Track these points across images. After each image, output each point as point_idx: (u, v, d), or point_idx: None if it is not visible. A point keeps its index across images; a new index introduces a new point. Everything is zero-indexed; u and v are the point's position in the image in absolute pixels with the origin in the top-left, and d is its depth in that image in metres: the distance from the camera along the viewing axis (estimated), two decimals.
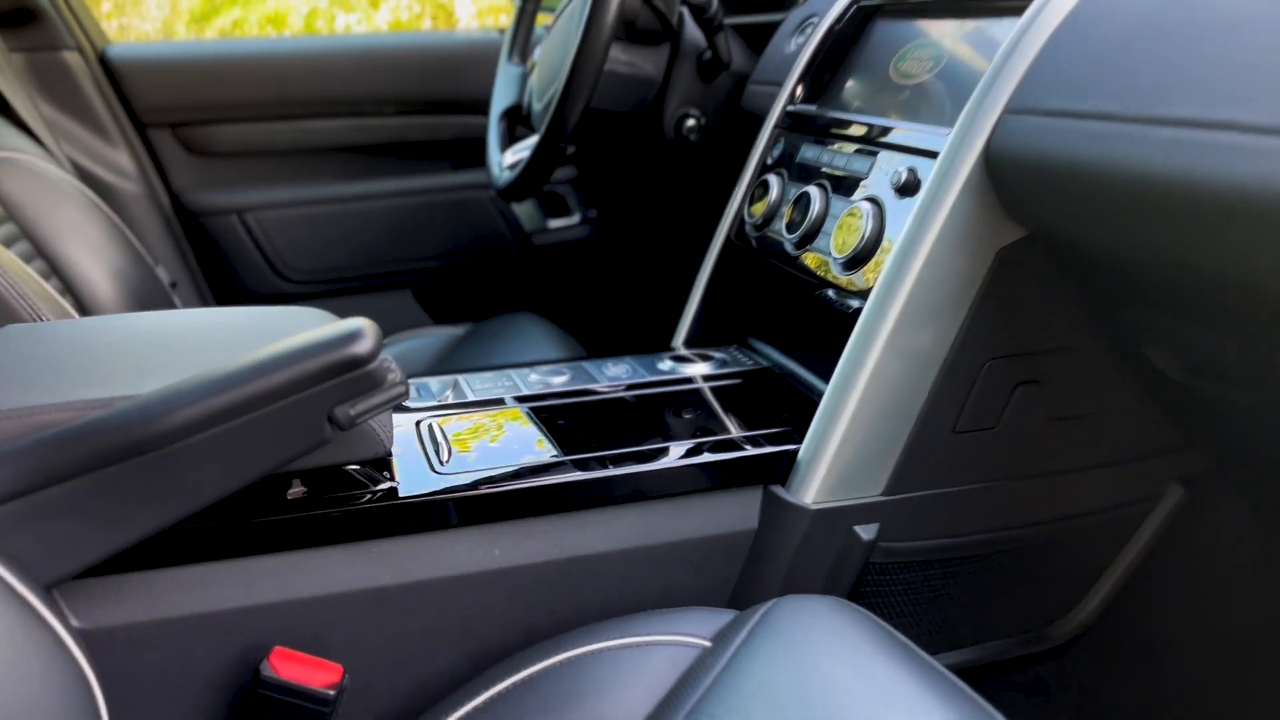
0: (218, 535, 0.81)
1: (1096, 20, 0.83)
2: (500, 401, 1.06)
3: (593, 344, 1.64)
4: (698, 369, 1.15)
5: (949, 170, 0.89)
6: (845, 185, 1.04)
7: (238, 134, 1.78)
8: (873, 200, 0.97)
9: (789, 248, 1.10)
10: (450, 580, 0.88)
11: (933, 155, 0.92)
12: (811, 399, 1.05)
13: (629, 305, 2.13)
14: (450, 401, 1.06)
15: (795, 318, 1.18)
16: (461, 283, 1.93)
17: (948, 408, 0.94)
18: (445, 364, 1.61)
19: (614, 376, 1.13)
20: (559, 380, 1.12)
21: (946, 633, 1.07)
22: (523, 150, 1.50)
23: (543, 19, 1.69)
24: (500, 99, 1.61)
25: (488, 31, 1.98)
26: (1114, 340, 0.95)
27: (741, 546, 0.96)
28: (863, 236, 0.96)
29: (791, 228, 1.08)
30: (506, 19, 2.11)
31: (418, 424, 1.00)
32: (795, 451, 0.95)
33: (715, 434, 0.97)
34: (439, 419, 1.01)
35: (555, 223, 1.96)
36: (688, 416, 1.02)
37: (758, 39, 1.46)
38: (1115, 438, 1.05)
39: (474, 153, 1.94)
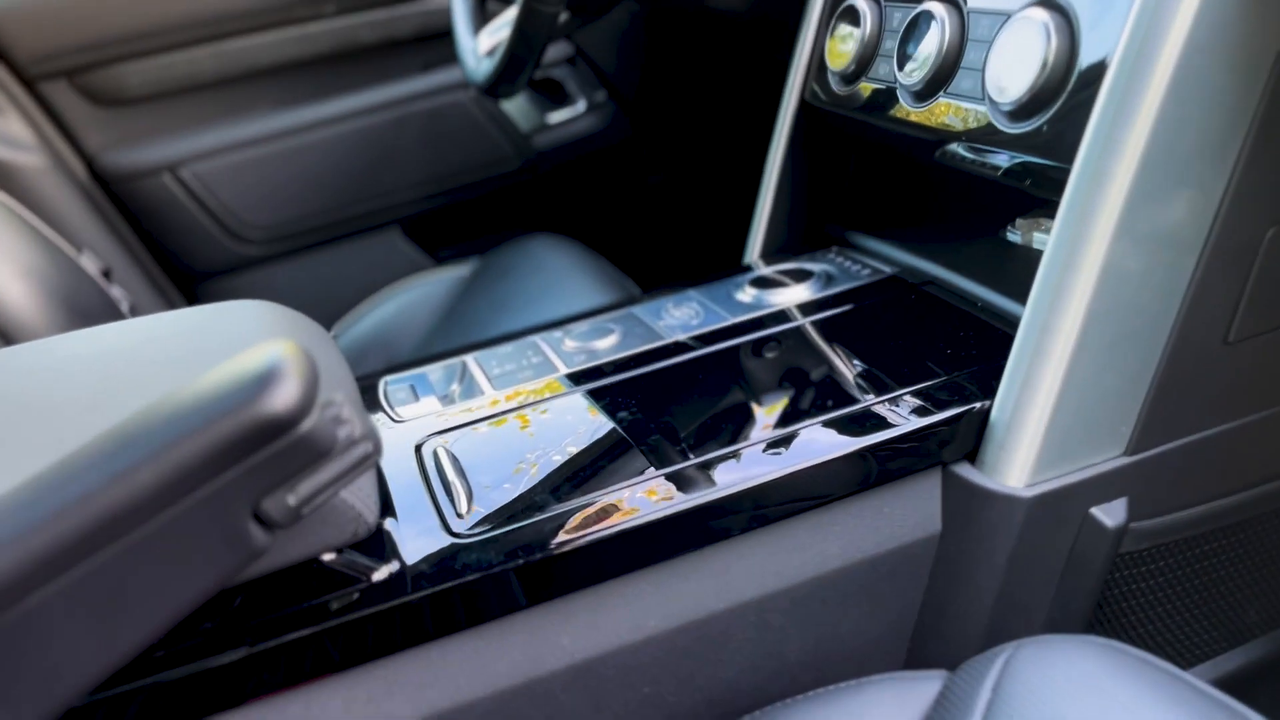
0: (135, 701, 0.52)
1: None
2: (532, 392, 0.74)
3: (632, 265, 1.31)
4: (794, 294, 0.82)
5: None
6: None
7: (150, 71, 1.43)
8: (1052, 6, 0.62)
9: (906, 99, 0.75)
10: (499, 697, 0.58)
11: None
12: (979, 319, 0.72)
13: (672, 209, 1.77)
14: (460, 404, 0.75)
15: (927, 200, 0.85)
16: (459, 209, 1.59)
17: (1215, 310, 0.61)
18: (455, 320, 1.29)
19: (680, 323, 0.80)
20: (606, 343, 0.79)
21: (1231, 623, 0.75)
22: (500, 28, 1.14)
23: None
24: None
25: None
26: None
27: (921, 561, 0.65)
28: (1044, 64, 0.61)
29: (907, 69, 0.73)
30: None
31: (418, 450, 0.69)
32: (984, 411, 0.63)
33: (852, 400, 0.65)
34: (447, 438, 0.70)
35: (557, 115, 1.60)
36: (801, 375, 0.69)
37: None
38: None
39: (446, 47, 1.58)
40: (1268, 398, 0.66)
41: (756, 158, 0.96)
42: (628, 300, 0.88)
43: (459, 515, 0.60)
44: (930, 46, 0.71)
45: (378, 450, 0.49)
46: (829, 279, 0.83)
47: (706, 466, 0.61)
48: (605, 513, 0.58)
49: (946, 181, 0.82)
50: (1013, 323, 0.71)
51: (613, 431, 0.66)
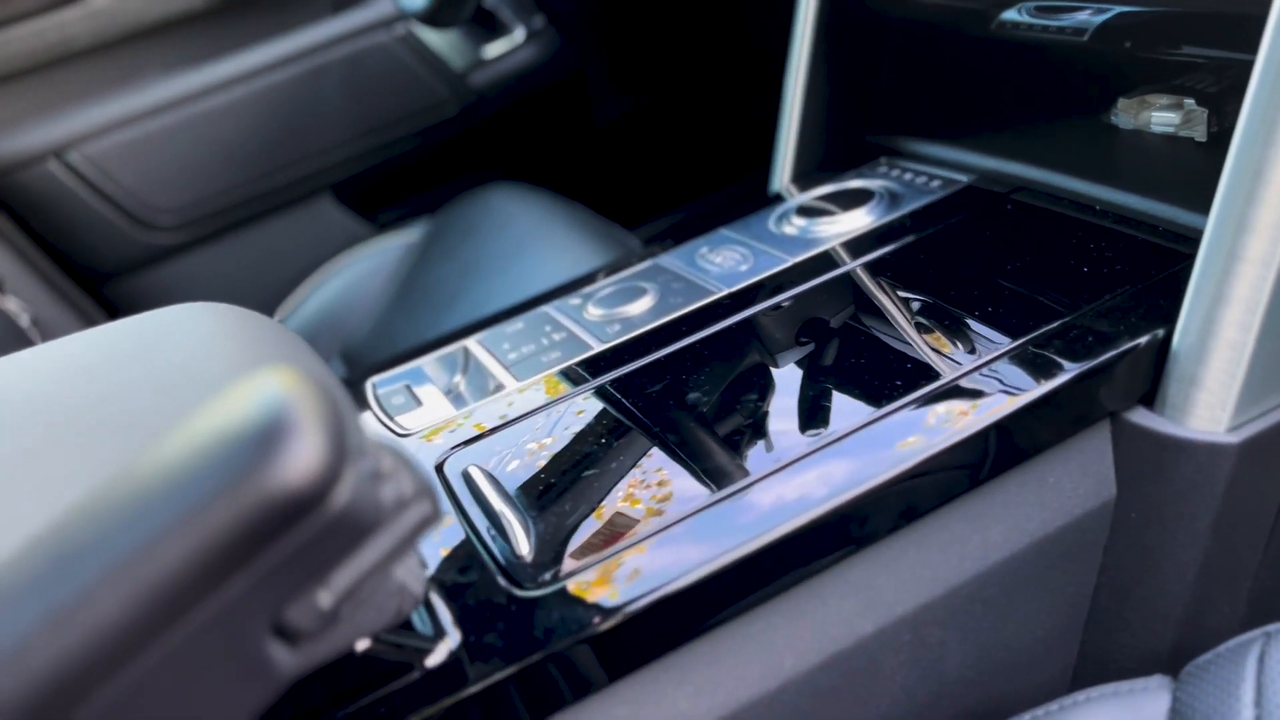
0: None
1: None
2: (572, 379, 0.59)
3: (611, 212, 1.15)
4: (857, 219, 0.68)
5: None
6: None
7: (12, 42, 1.21)
8: None
9: None
10: None
11: None
12: (1109, 229, 0.59)
13: (646, 142, 1.60)
14: (476, 404, 0.60)
15: (992, 89, 0.71)
16: (396, 166, 1.41)
17: None
18: (415, 293, 1.12)
19: (726, 271, 0.66)
20: (640, 306, 0.65)
21: None
22: None
23: None
24: None
25: None
26: None
27: (1095, 536, 0.52)
28: None
29: None
30: None
31: (439, 471, 0.54)
32: (1160, 341, 0.50)
33: (984, 350, 0.51)
34: (473, 452, 0.55)
35: (493, 48, 1.41)
36: (906, 324, 0.56)
37: None
38: None
39: None
40: None
41: (749, 65, 0.81)
42: (647, 252, 0.73)
43: (519, 560, 0.46)
44: None
45: (437, 510, 0.34)
46: (894, 198, 0.69)
47: (825, 458, 0.47)
48: (709, 535, 0.44)
49: (1015, 61, 0.68)
50: (1155, 226, 0.58)
51: (686, 422, 0.52)
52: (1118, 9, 0.54)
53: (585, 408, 0.56)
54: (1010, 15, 0.61)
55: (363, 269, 1.25)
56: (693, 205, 1.55)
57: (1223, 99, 0.58)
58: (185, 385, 0.45)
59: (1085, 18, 0.56)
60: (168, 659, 0.29)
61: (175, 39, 1.31)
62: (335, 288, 1.25)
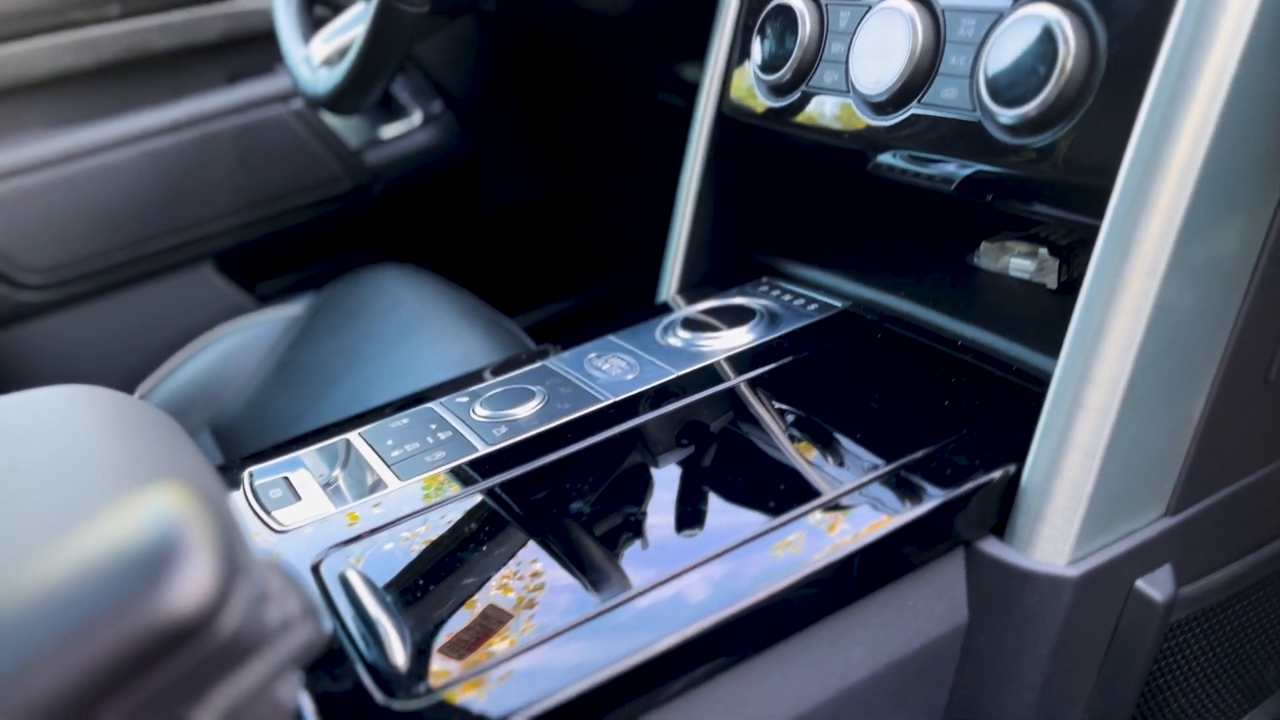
0: None
1: None
2: (457, 480, 0.60)
3: (495, 300, 1.17)
4: (738, 337, 0.71)
5: None
6: None
7: None
8: (1064, 3, 0.54)
9: (864, 111, 0.65)
10: None
11: None
12: (968, 363, 0.64)
13: (533, 235, 1.63)
14: (357, 502, 0.59)
15: (871, 221, 0.75)
16: (283, 238, 1.39)
17: (1257, 347, 0.54)
18: (295, 370, 1.11)
19: (613, 379, 0.68)
20: (528, 409, 0.66)
21: (1253, 683, 0.69)
22: (341, 33, 0.98)
23: None
24: None
25: None
26: None
27: (947, 658, 0.55)
28: (1061, 71, 0.52)
29: (869, 78, 0.64)
30: None
31: (316, 572, 0.54)
32: (1011, 477, 0.54)
33: (851, 475, 0.55)
34: (353, 552, 0.55)
35: (390, 129, 1.42)
36: (781, 446, 0.59)
37: None
38: None
39: (255, 55, 1.38)
40: None
41: (638, 175, 0.85)
42: (536, 353, 0.74)
43: (393, 669, 0.46)
44: (898, 50, 0.62)
45: (321, 634, 0.34)
46: (774, 318, 0.73)
47: (701, 575, 0.49)
48: (586, 649, 0.45)
49: (892, 199, 0.73)
50: (1008, 365, 0.62)
51: (567, 531, 0.53)
52: (981, 166, 0.59)
53: (468, 511, 0.57)
54: (886, 159, 0.66)
55: (241, 340, 1.22)
56: (578, 296, 1.58)
57: (1073, 251, 0.64)
58: (61, 479, 0.44)
59: (952, 169, 0.61)
60: None
61: (61, 96, 1.28)
62: (210, 358, 1.22)
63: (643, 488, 0.56)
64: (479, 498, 0.58)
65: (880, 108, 0.64)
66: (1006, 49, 0.55)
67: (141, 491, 0.32)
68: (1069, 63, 0.52)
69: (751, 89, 0.75)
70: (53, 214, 1.25)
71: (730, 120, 0.78)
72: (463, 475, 0.60)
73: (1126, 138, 0.50)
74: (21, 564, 0.31)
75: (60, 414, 0.56)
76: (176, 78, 1.34)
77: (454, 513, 0.57)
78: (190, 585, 0.29)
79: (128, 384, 1.21)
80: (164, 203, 1.31)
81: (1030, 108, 0.54)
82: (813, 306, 0.74)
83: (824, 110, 0.69)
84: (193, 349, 1.23)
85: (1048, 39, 0.53)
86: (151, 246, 1.31)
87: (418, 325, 1.05)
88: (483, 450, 0.62)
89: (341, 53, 0.97)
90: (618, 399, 0.65)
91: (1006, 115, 0.55)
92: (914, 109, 0.62)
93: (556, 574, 0.50)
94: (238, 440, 1.07)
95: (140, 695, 0.29)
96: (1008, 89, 0.55)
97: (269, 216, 1.37)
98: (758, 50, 0.73)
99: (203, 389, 1.19)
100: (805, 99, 0.70)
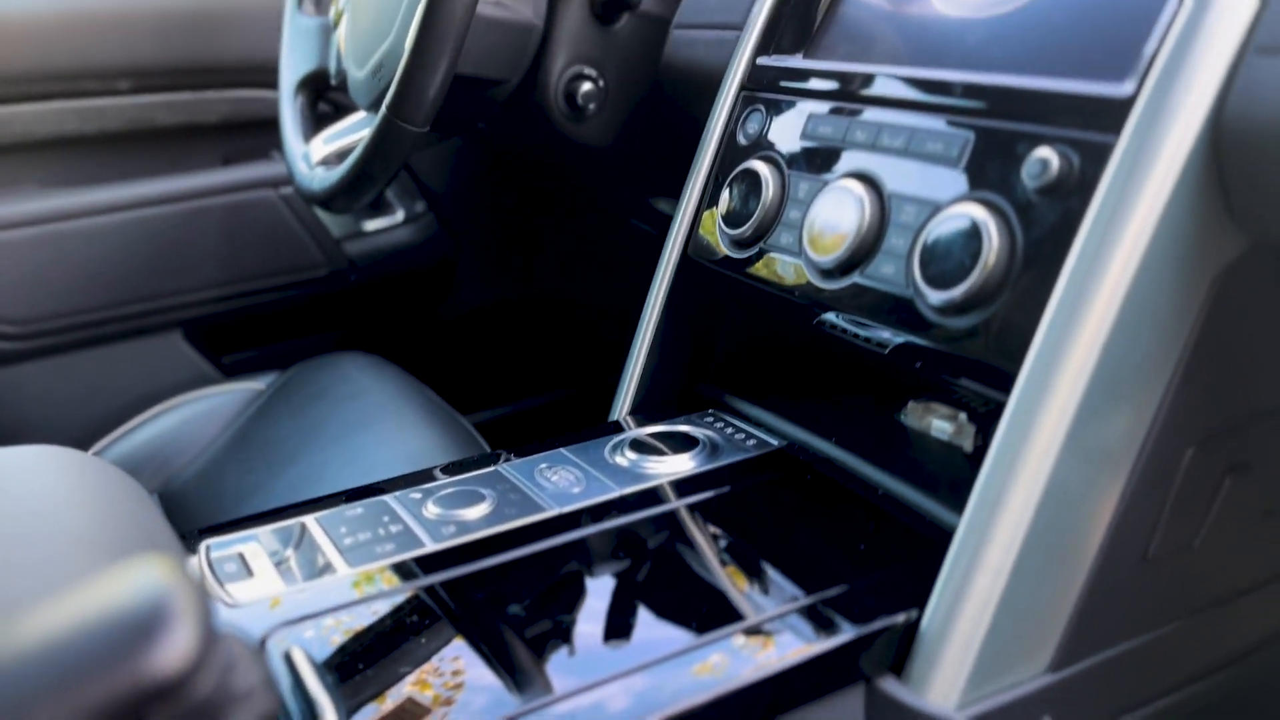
0: None
1: None
2: (402, 574, 0.64)
3: (453, 397, 1.21)
4: (680, 464, 0.76)
5: (1143, 151, 0.54)
6: (914, 179, 0.67)
7: None
8: (987, 204, 0.61)
9: (811, 275, 0.72)
10: None
11: (1098, 130, 0.57)
12: (884, 510, 0.69)
13: (497, 339, 1.68)
14: (306, 583, 0.63)
15: (813, 370, 0.82)
16: (255, 315, 1.44)
17: (1137, 527, 0.61)
18: (251, 443, 1.14)
19: (560, 491, 0.73)
20: (476, 512, 0.70)
21: None
22: (342, 137, 1.05)
23: None
24: (293, 63, 1.14)
25: None
26: None
27: None
28: (984, 264, 0.60)
29: (820, 249, 0.71)
30: None
31: (262, 646, 0.57)
32: (913, 621, 0.59)
33: (771, 604, 0.60)
34: (299, 631, 0.58)
35: (372, 223, 1.49)
36: (707, 571, 0.64)
37: None
38: None
39: (252, 139, 1.44)
40: (1177, 608, 0.66)
41: (604, 289, 0.91)
42: (490, 457, 0.79)
43: None
44: (847, 225, 0.69)
45: (276, 705, 0.38)
46: (715, 449, 0.78)
47: (620, 689, 0.53)
48: None
49: (833, 352, 0.80)
50: (919, 515, 0.68)
51: (501, 635, 0.58)
52: (910, 337, 0.66)
53: (409, 604, 0.61)
54: (830, 317, 0.73)
55: (200, 409, 1.25)
56: (534, 399, 1.64)
57: (987, 419, 0.70)
58: (42, 542, 0.48)
59: (887, 336, 0.68)
60: None
61: (62, 158, 1.34)
62: (168, 423, 1.25)
63: (576, 597, 0.61)
64: (421, 593, 0.62)
65: (827, 273, 0.71)
66: (940, 239, 0.63)
67: (129, 561, 0.37)
68: (991, 258, 0.59)
69: (716, 237, 0.82)
70: (36, 269, 1.28)
71: (694, 261, 0.85)
72: (408, 570, 0.64)
73: (1035, 329, 0.57)
74: (19, 617, 0.35)
75: (34, 475, 0.60)
76: (174, 153, 1.40)
77: (395, 604, 0.61)
78: (174, 650, 0.33)
79: (85, 440, 1.23)
80: (145, 269, 1.35)
81: (955, 292, 0.61)
82: (752, 442, 0.79)
83: (778, 268, 0.76)
84: (152, 413, 1.26)
85: (975, 235, 0.60)
86: (126, 309, 1.35)
87: (378, 415, 1.09)
88: (430, 547, 0.66)
89: (340, 155, 1.03)
90: (563, 511, 0.70)
91: (934, 296, 0.62)
92: (856, 278, 0.69)
93: (480, 673, 0.54)
94: (187, 508, 1.09)
95: None
96: (937, 273, 0.62)
97: (244, 293, 1.42)
98: (724, 204, 0.81)
99: (157, 453, 1.21)
100: (762, 254, 0.77)
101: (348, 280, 1.48)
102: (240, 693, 0.36)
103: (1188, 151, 0.54)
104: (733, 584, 0.61)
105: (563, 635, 0.57)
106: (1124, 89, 0.56)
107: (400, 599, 0.61)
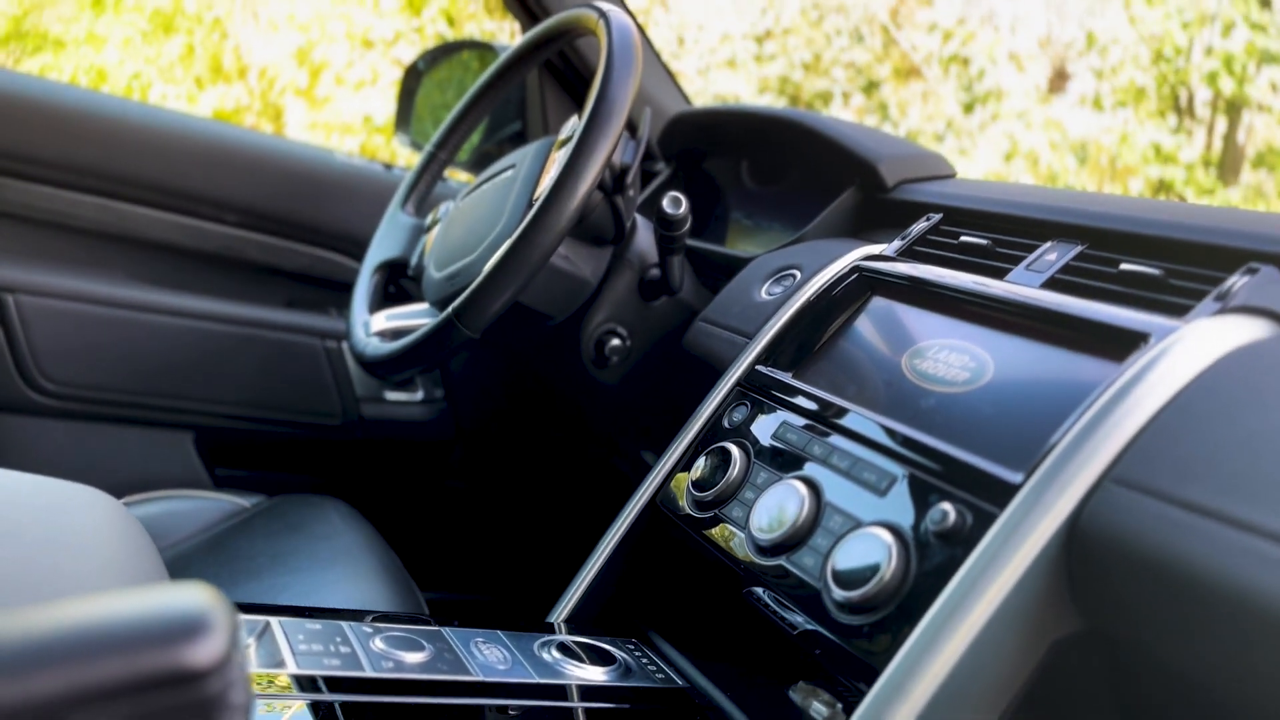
0: None
1: (1251, 394, 0.67)
2: (340, 687, 0.74)
3: (418, 565, 1.33)
4: (592, 674, 0.87)
5: (1017, 532, 0.70)
6: (846, 494, 0.82)
7: (29, 195, 1.40)
8: (895, 531, 0.76)
9: (748, 548, 0.86)
10: None
11: (989, 501, 0.73)
12: None
13: (476, 528, 1.82)
14: (257, 669, 0.74)
15: (734, 633, 0.94)
16: (260, 440, 1.57)
17: None
18: (221, 550, 1.25)
19: (488, 664, 0.84)
20: (415, 658, 0.81)
21: None
22: (402, 318, 1.22)
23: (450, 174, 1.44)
24: (381, 248, 1.34)
25: (370, 162, 1.71)
26: None
27: None
28: (881, 579, 0.74)
29: (761, 527, 0.85)
30: (343, 140, 1.78)
31: None
32: None
33: None
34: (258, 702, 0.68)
35: (395, 395, 1.65)
36: None
37: (710, 272, 1.27)
38: None
39: (317, 293, 1.63)
40: None
41: (571, 507, 1.04)
42: (443, 621, 0.90)
43: None
44: (788, 515, 0.84)
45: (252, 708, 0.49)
46: (627, 670, 0.89)
47: None
48: None
49: (752, 621, 0.92)
50: None
51: None
52: (814, 625, 0.79)
53: (339, 710, 0.71)
54: (758, 591, 0.85)
55: (182, 507, 1.36)
56: (481, 590, 1.74)
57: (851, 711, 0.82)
58: (92, 562, 0.60)
59: (799, 620, 0.80)
60: None
61: (152, 257, 1.52)
62: (154, 510, 1.35)
63: None
64: (349, 710, 0.72)
65: (763, 550, 0.85)
66: (854, 549, 0.77)
67: (188, 585, 0.49)
68: (888, 574, 0.74)
69: (683, 494, 0.96)
70: (94, 343, 1.44)
71: (659, 508, 0.99)
72: (346, 684, 0.74)
73: (904, 643, 0.70)
74: (90, 600, 0.47)
75: (84, 507, 0.73)
76: (248, 284, 1.58)
77: (331, 706, 0.71)
78: (208, 648, 0.45)
79: None
80: (184, 372, 1.50)
81: (854, 594, 0.74)
82: (660, 675, 0.91)
83: (726, 533, 0.90)
84: (143, 497, 1.37)
85: (880, 552, 0.75)
86: (155, 400, 1.48)
87: (343, 560, 1.20)
88: (368, 674, 0.77)
89: (395, 333, 1.20)
90: (485, 680, 0.81)
91: (838, 593, 0.76)
92: (783, 560, 0.83)
93: None
94: None
95: (140, 709, 0.44)
96: (844, 575, 0.76)
97: (261, 419, 1.56)
98: (697, 470, 0.96)
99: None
100: (716, 520, 0.92)
101: (354, 435, 1.62)
102: (234, 704, 0.48)
103: (1046, 540, 0.69)
104: None
105: None
106: (1015, 477, 0.72)
107: (332, 705, 0.72)
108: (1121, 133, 5.65)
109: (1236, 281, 0.79)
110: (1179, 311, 0.78)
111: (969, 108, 6.54)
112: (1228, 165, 6.34)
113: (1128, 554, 0.66)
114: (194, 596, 0.47)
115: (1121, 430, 0.70)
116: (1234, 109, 6.00)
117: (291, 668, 0.75)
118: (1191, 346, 0.73)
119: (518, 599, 1.70)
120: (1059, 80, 7.09)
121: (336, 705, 0.72)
